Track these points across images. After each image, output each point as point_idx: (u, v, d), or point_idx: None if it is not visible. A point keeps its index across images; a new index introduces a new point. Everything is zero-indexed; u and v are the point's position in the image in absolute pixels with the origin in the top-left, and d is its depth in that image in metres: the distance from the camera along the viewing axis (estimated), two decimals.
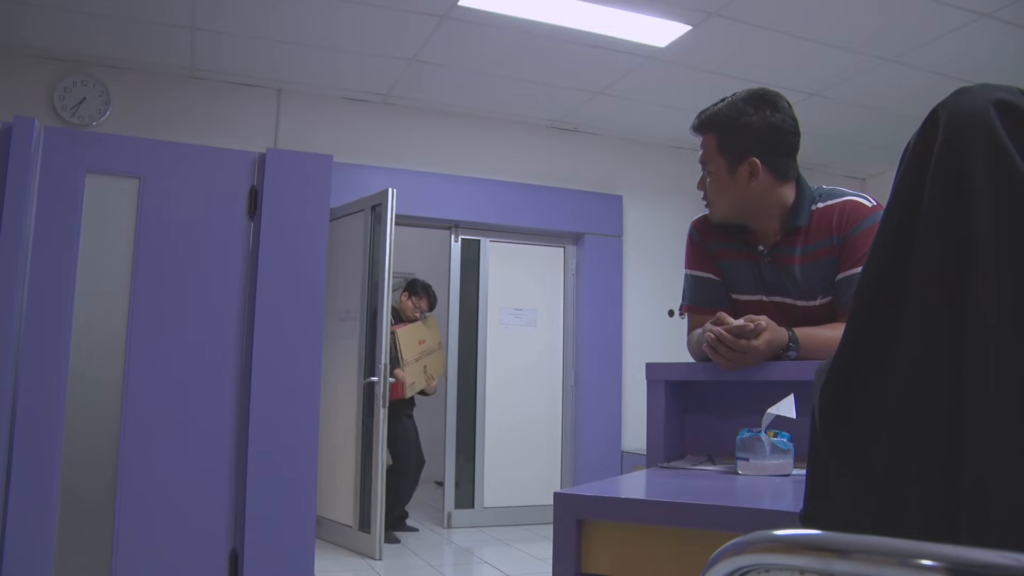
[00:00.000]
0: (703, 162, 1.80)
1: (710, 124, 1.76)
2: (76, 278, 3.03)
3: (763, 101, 1.73)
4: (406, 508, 5.37)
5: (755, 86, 1.80)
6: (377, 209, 4.81)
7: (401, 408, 5.09)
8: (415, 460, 5.25)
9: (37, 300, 2.95)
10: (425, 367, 5.23)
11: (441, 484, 5.74)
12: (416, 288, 5.41)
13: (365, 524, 4.59)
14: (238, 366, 3.26)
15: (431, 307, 5.43)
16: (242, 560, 3.15)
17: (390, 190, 4.72)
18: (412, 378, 5.10)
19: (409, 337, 5.13)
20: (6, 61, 4.62)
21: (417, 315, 5.33)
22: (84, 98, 4.74)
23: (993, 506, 0.65)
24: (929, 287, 0.73)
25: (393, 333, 4.94)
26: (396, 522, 5.17)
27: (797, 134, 1.77)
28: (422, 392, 5.31)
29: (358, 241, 4.91)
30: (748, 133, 1.71)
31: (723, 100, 1.78)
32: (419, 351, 5.18)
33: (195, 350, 3.19)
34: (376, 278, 4.76)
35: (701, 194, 1.84)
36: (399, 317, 5.26)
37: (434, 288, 5.54)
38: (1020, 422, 0.66)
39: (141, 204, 3.17)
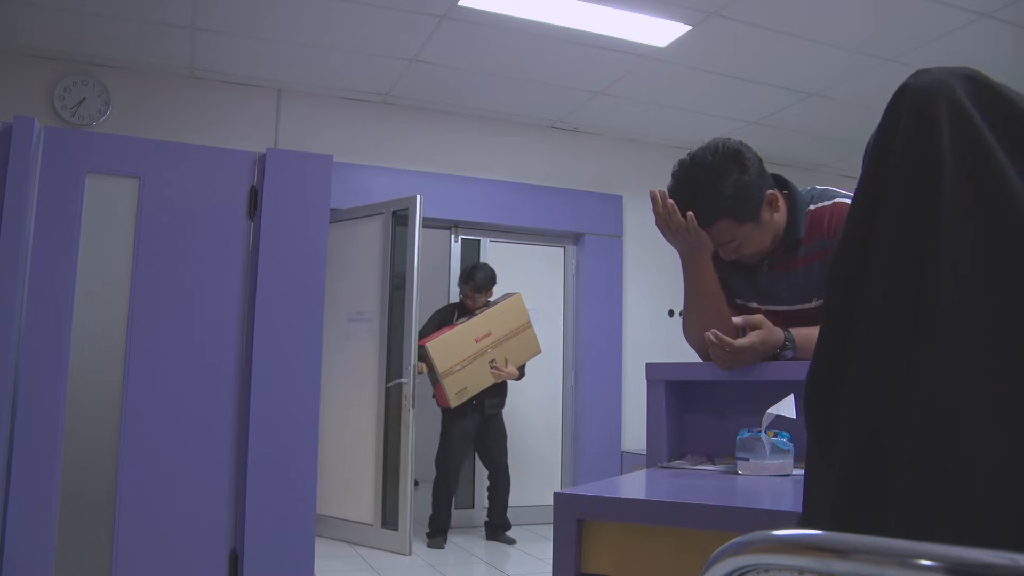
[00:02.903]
0: (725, 240, 1.71)
1: (717, 213, 1.66)
2: (76, 278, 3.03)
3: (730, 154, 1.67)
4: (508, 518, 5.06)
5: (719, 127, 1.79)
6: (400, 214, 4.87)
7: (452, 414, 4.85)
8: (451, 463, 4.89)
9: (37, 300, 2.95)
10: (493, 361, 4.81)
11: None
12: (463, 275, 4.99)
13: (392, 522, 4.66)
14: (238, 366, 3.26)
15: (477, 290, 4.87)
16: (242, 560, 3.15)
17: (418, 197, 4.76)
18: (461, 384, 4.73)
19: (446, 346, 4.69)
20: (6, 61, 4.61)
21: (470, 303, 4.92)
22: (84, 98, 4.74)
23: (914, 497, 0.66)
24: (887, 254, 0.72)
25: (423, 347, 4.65)
26: (494, 531, 5.01)
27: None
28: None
29: (374, 243, 4.94)
30: (751, 187, 1.68)
31: (695, 182, 1.66)
32: (474, 351, 4.75)
33: (195, 350, 3.19)
34: (398, 281, 4.80)
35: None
36: (464, 310, 4.97)
37: (488, 276, 4.98)
38: (938, 411, 0.66)
39: (141, 204, 3.17)
